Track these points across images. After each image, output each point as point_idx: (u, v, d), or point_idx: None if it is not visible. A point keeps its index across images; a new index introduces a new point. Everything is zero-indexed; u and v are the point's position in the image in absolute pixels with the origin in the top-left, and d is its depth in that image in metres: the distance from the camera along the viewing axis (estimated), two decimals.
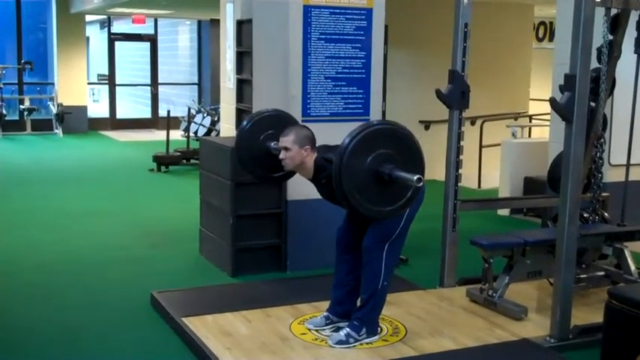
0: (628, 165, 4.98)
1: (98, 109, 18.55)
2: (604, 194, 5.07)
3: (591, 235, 4.71)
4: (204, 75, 18.28)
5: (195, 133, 12.11)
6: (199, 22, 18.50)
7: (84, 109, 16.42)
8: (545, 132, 9.38)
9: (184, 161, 11.11)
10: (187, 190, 8.62)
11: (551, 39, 13.99)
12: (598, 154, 4.90)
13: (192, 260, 5.98)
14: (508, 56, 10.83)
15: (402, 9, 9.23)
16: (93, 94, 19.45)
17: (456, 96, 4.86)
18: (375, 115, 5.62)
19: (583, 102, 3.96)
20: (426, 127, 10.03)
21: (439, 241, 5.05)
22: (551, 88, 6.14)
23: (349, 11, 5.45)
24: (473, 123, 9.84)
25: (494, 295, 4.55)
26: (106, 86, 17.79)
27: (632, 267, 4.74)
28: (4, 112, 15.30)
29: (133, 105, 19.67)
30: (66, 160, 12.31)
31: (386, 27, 5.76)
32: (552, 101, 4.03)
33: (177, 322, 4.28)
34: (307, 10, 5.33)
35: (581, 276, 4.67)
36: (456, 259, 5.04)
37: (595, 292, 4.78)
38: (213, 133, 11.64)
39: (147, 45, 17.99)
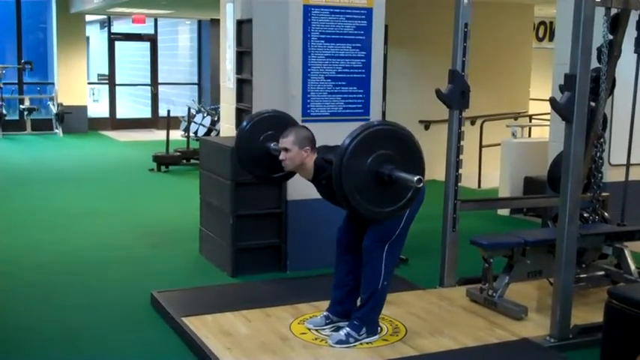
0: (628, 165, 4.98)
1: (98, 109, 18.55)
2: (604, 194, 5.07)
3: (591, 234, 4.71)
4: (204, 75, 18.28)
5: (195, 133, 12.11)
6: (199, 22, 18.50)
7: (84, 108, 16.43)
8: (545, 132, 9.38)
9: (184, 161, 11.11)
10: (187, 190, 8.62)
11: (551, 39, 13.99)
12: (598, 154, 4.90)
13: (192, 260, 5.98)
14: (508, 56, 10.83)
15: (402, 9, 9.23)
16: (93, 94, 19.45)
17: (456, 96, 4.86)
18: (375, 115, 5.62)
19: (583, 102, 3.96)
20: (426, 127, 10.04)
21: (439, 241, 5.05)
22: (551, 88, 6.14)
23: (349, 11, 5.45)
24: (473, 123, 9.84)
25: (494, 294, 4.55)
26: (106, 86, 17.79)
27: (632, 267, 4.74)
28: (4, 111, 15.30)
29: (133, 105, 19.68)
30: (66, 160, 12.31)
31: (386, 27, 5.76)
32: (552, 101, 4.03)
33: (177, 322, 4.28)
34: (307, 9, 5.33)
35: (581, 276, 4.67)
36: (456, 259, 5.04)
37: (595, 291, 4.78)
38: (213, 133, 11.64)
39: (147, 45, 17.99)
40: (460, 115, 4.91)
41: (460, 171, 4.96)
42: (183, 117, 12.88)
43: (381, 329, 4.10)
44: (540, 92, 10.94)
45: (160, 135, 14.33)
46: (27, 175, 10.40)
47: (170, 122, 11.45)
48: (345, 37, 5.46)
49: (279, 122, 4.30)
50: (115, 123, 17.24)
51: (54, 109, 15.72)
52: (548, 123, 7.73)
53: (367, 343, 3.94)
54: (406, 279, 5.21)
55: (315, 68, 5.40)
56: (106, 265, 5.82)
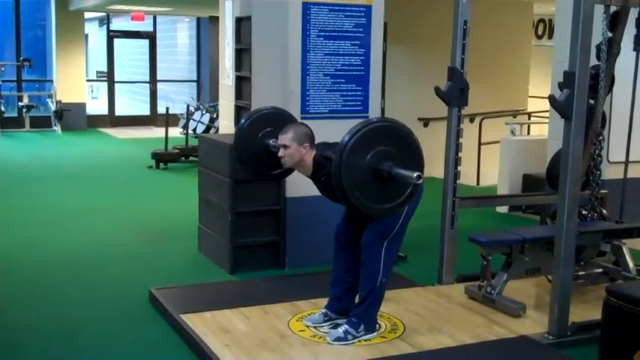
0: (627, 162, 4.98)
1: (97, 107, 18.53)
2: (602, 191, 5.08)
3: (590, 232, 4.71)
4: (203, 72, 18.27)
5: (194, 130, 12.10)
6: (198, 20, 18.49)
7: (83, 106, 16.41)
8: (544, 129, 9.39)
9: (183, 158, 11.12)
10: (186, 187, 8.61)
11: (550, 36, 13.99)
12: (597, 152, 4.90)
13: (191, 257, 5.98)
14: (507, 53, 10.83)
15: (402, 6, 9.23)
16: (92, 91, 19.43)
17: (455, 93, 4.86)
18: (374, 112, 5.62)
19: (582, 99, 3.96)
20: (425, 125, 10.04)
21: (438, 239, 5.06)
22: (551, 86, 6.13)
23: (348, 8, 5.45)
24: (472, 120, 9.84)
25: (492, 292, 4.55)
26: (105, 83, 17.77)
27: (631, 264, 4.74)
28: (2, 109, 15.29)
29: (131, 102, 19.66)
30: (65, 157, 12.30)
31: (385, 24, 5.76)
32: (551, 98, 4.03)
33: (175, 319, 4.28)
34: (306, 7, 5.33)
35: (580, 273, 4.67)
36: (455, 257, 5.05)
37: (593, 289, 4.78)
38: (212, 131, 11.63)
39: (146, 42, 17.98)
40: (459, 112, 4.91)
41: (459, 168, 4.97)
42: (182, 114, 12.88)
43: (380, 326, 4.10)
44: (539, 90, 10.95)
45: (158, 132, 14.32)
46: (25, 173, 10.39)
47: (169, 119, 11.45)
48: (344, 34, 5.46)
49: (278, 119, 4.30)
50: (113, 120, 17.24)
51: (53, 107, 15.71)
52: (547, 120, 7.73)
53: (365, 340, 3.94)
54: (405, 276, 5.21)
55: (314, 66, 5.39)
56: (105, 262, 5.82)
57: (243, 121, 4.43)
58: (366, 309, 3.95)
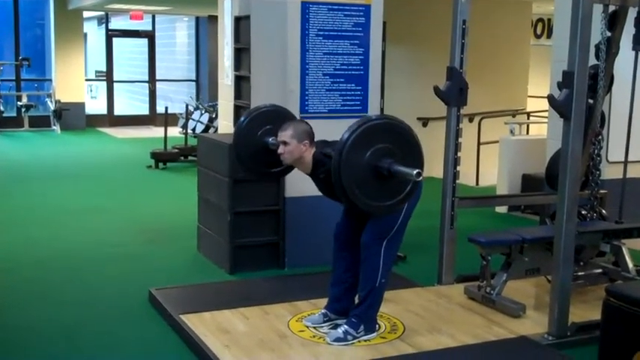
0: (626, 162, 4.98)
1: (96, 106, 18.52)
2: (602, 191, 5.07)
3: (589, 232, 4.70)
4: (202, 72, 18.27)
5: (193, 129, 12.10)
6: (197, 19, 18.48)
7: (82, 105, 16.40)
8: (543, 129, 9.39)
9: (182, 158, 11.11)
10: (185, 186, 8.60)
11: (549, 36, 13.98)
12: (596, 151, 4.89)
13: (190, 257, 5.98)
14: (506, 53, 10.83)
15: (401, 5, 9.23)
16: (91, 91, 19.41)
17: (454, 93, 4.85)
18: (373, 112, 5.61)
19: (581, 99, 3.96)
20: (424, 124, 10.03)
21: (437, 239, 5.05)
22: (550, 85, 6.13)
23: (347, 8, 5.44)
24: (471, 120, 9.83)
25: (492, 292, 4.55)
26: (104, 83, 17.75)
27: (630, 264, 4.74)
28: (1, 108, 15.28)
29: (130, 102, 19.65)
30: (64, 156, 12.30)
31: (384, 23, 5.76)
32: (550, 98, 4.03)
33: (175, 320, 4.28)
34: (305, 6, 5.33)
35: (579, 273, 4.67)
36: (454, 257, 5.04)
37: (593, 289, 4.78)
38: (211, 130, 11.63)
39: (145, 41, 17.97)
40: (458, 112, 4.91)
41: (458, 168, 4.96)
42: (181, 114, 12.87)
43: (379, 327, 4.10)
44: (538, 89, 10.95)
45: (157, 132, 14.30)
46: (25, 172, 10.38)
47: (168, 119, 11.44)
48: (343, 33, 5.45)
49: (278, 116, 4.29)
50: (112, 120, 17.23)
51: (51, 106, 15.70)
52: (546, 120, 7.73)
53: (365, 340, 3.94)
54: (404, 276, 5.21)
55: (313, 65, 5.39)
56: (104, 261, 5.81)
57: (242, 118, 4.42)
58: (366, 309, 3.95)
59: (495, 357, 3.95)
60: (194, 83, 18.73)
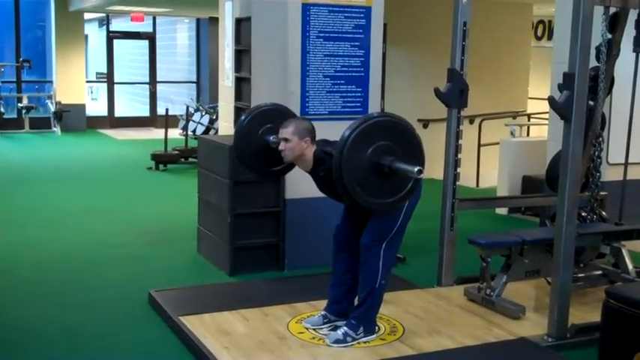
0: (626, 164, 4.98)
1: (96, 108, 18.52)
2: (602, 193, 5.07)
3: (589, 234, 4.71)
4: (203, 73, 18.27)
5: (194, 131, 12.10)
6: (198, 20, 18.49)
7: (82, 107, 16.40)
8: (543, 131, 9.37)
9: (182, 160, 11.10)
10: (185, 188, 8.60)
11: (549, 37, 13.99)
12: (596, 153, 4.90)
13: (190, 259, 5.98)
14: (507, 55, 10.83)
15: (401, 7, 9.23)
16: (91, 93, 19.42)
17: (455, 94, 4.85)
18: None
19: (582, 101, 3.96)
20: (425, 126, 10.03)
21: (437, 240, 5.05)
22: (550, 87, 6.14)
23: (348, 9, 5.45)
24: (471, 122, 9.84)
25: (492, 294, 4.55)
26: (105, 84, 17.76)
27: (630, 266, 4.74)
28: (2, 110, 15.28)
29: (131, 103, 19.66)
30: (64, 158, 12.30)
31: (385, 25, 5.76)
32: (551, 100, 4.03)
33: (174, 321, 4.28)
34: (306, 8, 5.33)
35: (579, 275, 4.67)
36: (454, 258, 5.04)
37: (592, 291, 4.78)
38: (212, 132, 11.63)
39: (145, 43, 17.98)
40: (459, 113, 4.91)
41: (458, 170, 4.96)
42: (181, 115, 12.87)
43: (379, 328, 4.10)
44: (539, 91, 10.95)
45: (158, 133, 14.30)
46: (25, 174, 10.39)
47: (168, 121, 11.44)
48: (343, 35, 5.46)
49: (279, 115, 4.28)
50: (113, 121, 17.23)
51: (52, 108, 15.70)
52: (546, 122, 7.72)
53: (365, 342, 3.94)
54: (404, 278, 5.21)
55: (314, 67, 5.39)
56: (104, 263, 5.81)
57: (243, 117, 4.42)
58: (365, 311, 3.95)
59: (495, 358, 3.94)
60: (195, 85, 18.74)
